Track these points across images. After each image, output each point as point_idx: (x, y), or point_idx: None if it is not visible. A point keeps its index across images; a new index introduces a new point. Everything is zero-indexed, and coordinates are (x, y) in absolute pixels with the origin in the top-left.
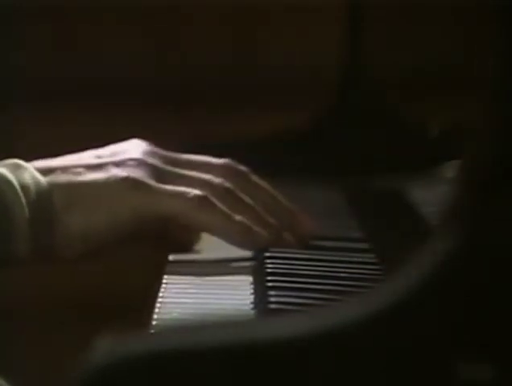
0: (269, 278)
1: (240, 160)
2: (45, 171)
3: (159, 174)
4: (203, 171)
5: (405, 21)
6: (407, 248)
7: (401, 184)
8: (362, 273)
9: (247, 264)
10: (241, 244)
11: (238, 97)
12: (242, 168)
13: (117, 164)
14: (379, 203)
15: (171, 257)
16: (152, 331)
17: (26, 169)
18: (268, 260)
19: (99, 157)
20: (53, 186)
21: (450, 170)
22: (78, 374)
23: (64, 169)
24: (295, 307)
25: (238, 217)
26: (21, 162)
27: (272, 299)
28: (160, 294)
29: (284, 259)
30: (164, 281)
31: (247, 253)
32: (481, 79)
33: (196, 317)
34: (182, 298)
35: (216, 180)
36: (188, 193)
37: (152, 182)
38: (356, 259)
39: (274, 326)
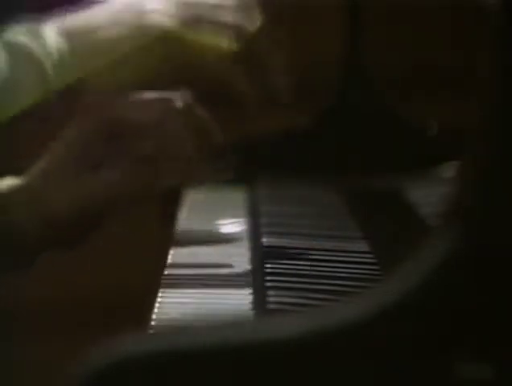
0: (268, 278)
1: (240, 160)
2: (64, 33)
3: (181, 22)
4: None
5: (405, 21)
6: (407, 248)
7: (401, 184)
8: (362, 273)
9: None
10: None
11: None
12: None
13: (141, 14)
14: (379, 203)
15: (170, 258)
16: (152, 331)
17: (46, 33)
18: (267, 260)
19: (118, 11)
20: (75, 46)
21: (450, 170)
22: (78, 374)
23: (84, 28)
24: (294, 307)
25: None
26: (39, 26)
27: (271, 299)
28: (160, 294)
29: (283, 259)
30: (164, 281)
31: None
32: (481, 79)
33: (195, 317)
34: (182, 298)
35: None
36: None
37: (178, 30)
38: (355, 259)
39: (273, 326)
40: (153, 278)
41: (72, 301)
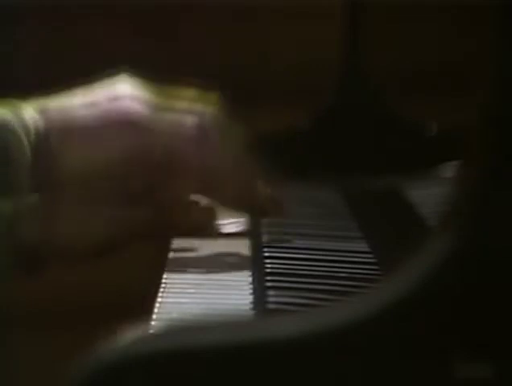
0: (268, 278)
1: None
2: (42, 111)
3: (152, 108)
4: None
5: (405, 21)
6: (407, 248)
7: (400, 184)
8: (362, 273)
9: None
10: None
11: (238, 97)
12: None
13: (112, 99)
14: (379, 203)
15: (170, 256)
16: (152, 331)
17: (25, 109)
18: (267, 260)
19: (92, 94)
20: (50, 126)
21: (450, 170)
22: (78, 374)
23: (60, 109)
24: (294, 307)
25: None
26: (19, 102)
27: (271, 299)
28: (160, 294)
29: (283, 259)
30: (164, 281)
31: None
32: (481, 79)
33: (195, 317)
34: (181, 298)
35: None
36: (184, 124)
37: (147, 117)
38: (355, 259)
39: (273, 326)
40: (153, 278)
41: (72, 302)
